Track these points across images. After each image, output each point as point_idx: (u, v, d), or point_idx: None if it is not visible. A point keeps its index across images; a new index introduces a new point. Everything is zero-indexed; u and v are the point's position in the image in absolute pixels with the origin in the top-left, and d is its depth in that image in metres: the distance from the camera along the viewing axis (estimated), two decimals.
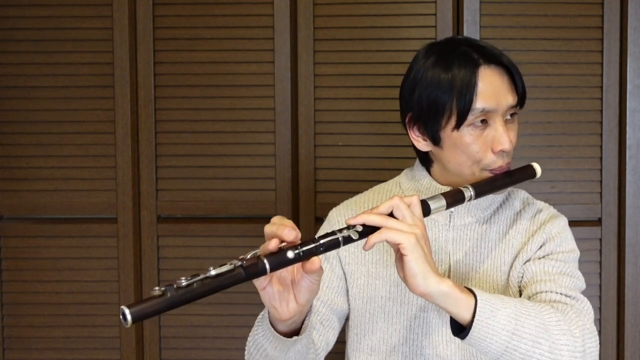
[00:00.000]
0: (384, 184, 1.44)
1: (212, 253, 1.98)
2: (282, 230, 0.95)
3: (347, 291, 1.36)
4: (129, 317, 0.81)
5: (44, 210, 2.01)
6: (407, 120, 1.30)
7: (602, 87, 1.91)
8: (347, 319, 1.38)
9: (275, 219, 0.99)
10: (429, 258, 1.03)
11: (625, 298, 1.92)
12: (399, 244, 1.00)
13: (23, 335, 2.03)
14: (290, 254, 0.93)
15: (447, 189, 1.26)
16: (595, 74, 1.91)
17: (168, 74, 1.96)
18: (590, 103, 1.92)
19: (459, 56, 1.23)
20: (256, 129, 1.96)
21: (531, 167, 1.31)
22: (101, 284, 2.00)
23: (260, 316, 1.14)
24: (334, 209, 1.43)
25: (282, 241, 0.96)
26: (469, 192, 1.17)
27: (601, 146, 1.92)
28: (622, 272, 1.92)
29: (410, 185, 1.37)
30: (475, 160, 1.23)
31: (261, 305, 1.11)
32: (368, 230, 1.01)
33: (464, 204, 1.22)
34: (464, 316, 1.04)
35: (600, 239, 1.93)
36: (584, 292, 1.25)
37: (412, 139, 1.31)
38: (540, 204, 1.38)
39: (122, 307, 0.81)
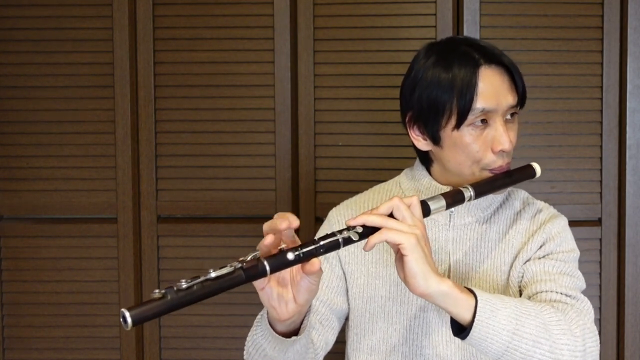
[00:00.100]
0: (383, 183, 1.44)
1: (212, 253, 1.98)
2: (277, 222, 0.95)
3: (347, 291, 1.36)
4: (129, 320, 0.81)
5: (44, 210, 2.01)
6: (407, 120, 1.30)
7: (602, 87, 1.91)
8: (347, 319, 1.38)
9: (276, 215, 0.99)
10: (429, 258, 1.03)
11: (625, 298, 1.92)
12: (399, 244, 1.00)
13: (23, 335, 2.03)
14: (290, 256, 0.93)
15: (447, 188, 1.27)
16: (595, 74, 1.91)
17: (168, 74, 1.96)
18: (590, 103, 1.92)
19: (460, 56, 1.23)
20: (256, 129, 1.96)
21: (531, 167, 1.31)
22: (101, 284, 2.00)
23: (259, 316, 1.14)
24: (333, 209, 1.43)
25: (281, 241, 0.96)
26: (468, 193, 1.17)
27: (601, 146, 1.92)
28: (622, 272, 1.92)
29: (410, 185, 1.37)
30: (475, 160, 1.23)
31: (261, 305, 1.11)
32: (368, 231, 1.01)
33: (463, 204, 1.22)
34: (464, 316, 1.04)
35: (600, 239, 1.93)
36: (584, 292, 1.25)
37: (412, 138, 1.31)
38: (540, 203, 1.38)
39: (123, 310, 0.81)
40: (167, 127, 1.98)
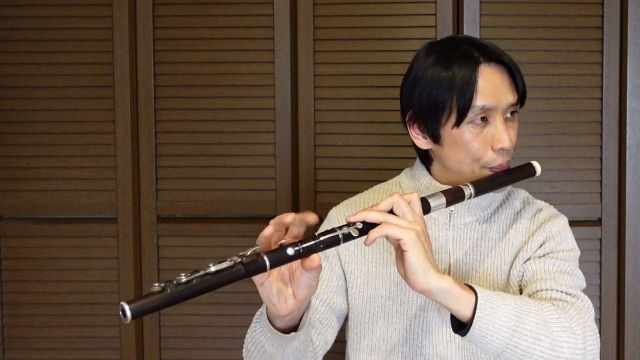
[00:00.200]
0: (384, 183, 1.44)
1: (212, 253, 1.97)
2: (282, 216, 0.96)
3: (347, 290, 1.35)
4: (128, 312, 0.81)
5: (44, 210, 2.01)
6: (407, 119, 1.30)
7: (602, 87, 1.91)
8: (346, 318, 1.38)
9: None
10: (429, 255, 1.03)
11: (625, 298, 1.91)
12: (399, 240, 1.00)
13: (23, 335, 2.02)
14: (290, 251, 0.93)
15: (447, 187, 1.27)
16: (595, 74, 1.91)
17: (168, 74, 1.97)
18: (590, 103, 1.92)
19: (460, 55, 1.23)
20: (256, 129, 1.96)
21: (531, 165, 1.31)
22: (101, 284, 2.00)
23: (258, 313, 1.14)
24: (334, 208, 1.43)
25: (284, 236, 0.96)
26: (469, 190, 1.17)
27: (601, 146, 1.92)
28: (622, 272, 1.92)
29: (410, 185, 1.37)
30: (475, 158, 1.23)
31: (261, 305, 1.11)
32: (368, 227, 1.01)
33: (464, 203, 1.22)
34: (464, 313, 1.04)
35: (600, 239, 1.93)
36: (584, 292, 1.25)
37: (412, 137, 1.31)
38: (541, 203, 1.38)
39: (122, 303, 0.81)
40: (167, 127, 1.98)
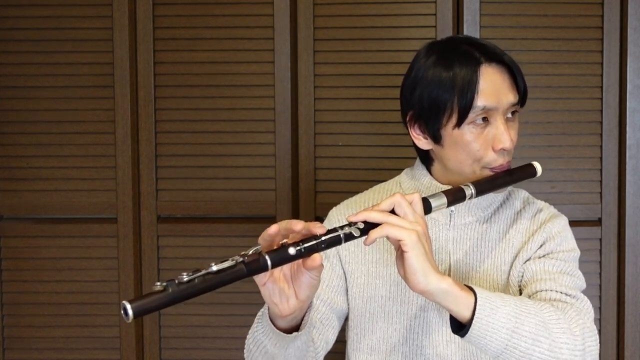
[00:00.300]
0: (384, 183, 1.44)
1: (212, 253, 1.97)
2: (292, 222, 0.95)
3: (347, 290, 1.35)
4: (130, 312, 0.81)
5: (44, 210, 2.01)
6: (407, 119, 1.30)
7: (602, 87, 1.91)
8: (347, 318, 1.38)
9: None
10: (429, 255, 1.02)
11: (625, 298, 1.91)
12: (400, 240, 1.00)
13: (23, 335, 2.02)
14: (291, 251, 0.93)
15: (447, 187, 1.27)
16: (595, 74, 1.91)
17: (168, 74, 1.96)
18: (590, 103, 1.92)
19: (460, 55, 1.23)
20: (256, 129, 1.96)
21: (532, 165, 1.31)
22: (101, 284, 2.00)
23: (259, 313, 1.14)
24: (334, 208, 1.43)
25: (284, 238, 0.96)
26: (469, 190, 1.18)
27: (601, 146, 1.92)
28: (622, 272, 1.92)
29: (410, 185, 1.37)
30: (475, 159, 1.23)
31: (261, 305, 1.11)
32: (369, 227, 1.01)
33: (464, 203, 1.22)
34: (463, 314, 1.04)
35: (600, 239, 1.93)
36: (584, 292, 1.25)
37: (412, 137, 1.31)
38: (541, 203, 1.38)
39: (124, 301, 0.81)
40: (167, 127, 1.98)
